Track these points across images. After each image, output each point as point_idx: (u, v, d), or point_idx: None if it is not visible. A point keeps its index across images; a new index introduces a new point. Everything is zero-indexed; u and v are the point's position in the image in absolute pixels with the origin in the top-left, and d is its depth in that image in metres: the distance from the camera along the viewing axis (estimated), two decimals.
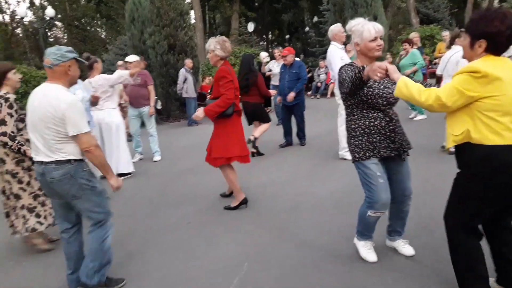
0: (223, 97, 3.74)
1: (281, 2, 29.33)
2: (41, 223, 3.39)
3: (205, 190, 4.77)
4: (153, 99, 6.57)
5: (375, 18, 13.48)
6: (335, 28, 5.49)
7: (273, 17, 33.09)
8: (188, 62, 10.43)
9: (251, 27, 23.71)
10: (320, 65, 14.81)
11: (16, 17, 30.02)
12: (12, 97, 3.22)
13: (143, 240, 3.56)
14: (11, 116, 3.16)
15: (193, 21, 21.77)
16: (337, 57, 5.22)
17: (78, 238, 2.74)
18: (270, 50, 29.88)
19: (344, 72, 2.49)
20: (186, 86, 10.13)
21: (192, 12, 22.87)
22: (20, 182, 3.32)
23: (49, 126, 2.40)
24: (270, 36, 37.77)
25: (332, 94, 13.77)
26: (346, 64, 2.60)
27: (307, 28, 29.71)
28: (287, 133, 6.85)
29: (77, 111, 2.42)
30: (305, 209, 3.93)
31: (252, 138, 5.95)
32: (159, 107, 8.66)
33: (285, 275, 2.73)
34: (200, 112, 3.82)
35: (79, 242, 2.75)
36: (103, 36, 33.17)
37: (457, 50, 4.99)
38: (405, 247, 2.82)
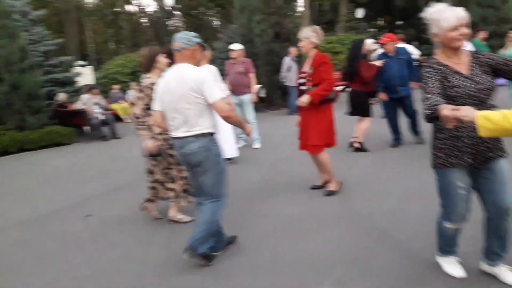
0: (327, 81, 3.82)
1: None
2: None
3: (302, 181, 4.66)
4: (254, 87, 6.65)
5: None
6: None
7: (385, 2, 31.34)
8: (293, 50, 10.30)
9: (360, 13, 22.70)
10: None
11: (142, 7, 33.18)
12: (147, 81, 3.45)
13: (238, 227, 3.59)
14: (141, 99, 3.44)
15: (301, 8, 21.70)
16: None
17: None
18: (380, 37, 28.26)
19: (424, 83, 2.12)
20: (290, 74, 10.08)
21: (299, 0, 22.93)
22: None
23: (191, 100, 2.61)
24: (380, 22, 35.90)
25: None
26: (427, 64, 2.19)
27: (422, 14, 27.44)
28: (396, 131, 6.06)
29: (213, 81, 2.66)
30: (413, 214, 3.57)
31: (356, 145, 5.88)
32: (263, 95, 8.74)
33: (384, 287, 2.51)
34: (305, 97, 3.84)
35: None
36: (215, 25, 34.80)
37: None
38: (510, 275, 2.33)
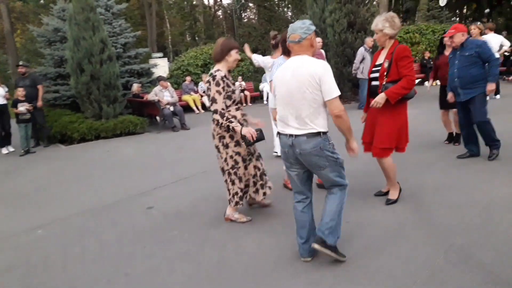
0: (407, 78, 3.41)
1: None
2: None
3: (368, 184, 4.28)
4: None
5: None
6: None
7: None
8: (369, 40, 9.76)
9: (443, 1, 20.93)
10: None
11: (218, 0, 33.89)
12: (220, 74, 3.29)
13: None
14: (219, 93, 3.26)
15: None
16: None
17: (310, 209, 2.87)
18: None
19: None
20: (363, 66, 9.60)
21: None
22: (220, 158, 3.55)
23: (307, 95, 2.50)
24: (465, 11, 33.00)
25: None
26: None
27: None
28: (469, 140, 5.03)
29: (331, 76, 2.51)
30: (501, 231, 3.08)
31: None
32: None
33: None
34: (381, 97, 3.45)
35: (312, 212, 2.87)
36: (288, 16, 34.45)
37: None
38: None
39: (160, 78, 10.09)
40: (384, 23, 3.44)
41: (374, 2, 11.87)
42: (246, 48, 5.95)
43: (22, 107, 7.96)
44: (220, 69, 3.35)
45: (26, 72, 8.61)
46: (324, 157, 2.57)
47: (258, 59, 5.65)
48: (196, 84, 13.68)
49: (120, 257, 3.20)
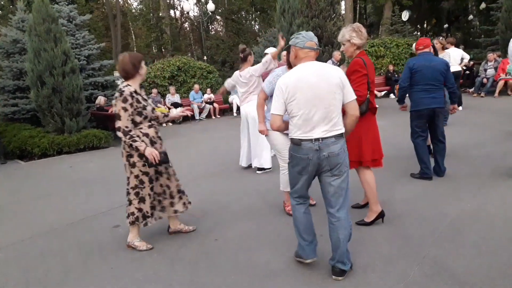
0: (356, 94, 3.17)
1: None
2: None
3: None
4: None
5: None
6: None
7: (430, 5, 30.16)
8: (337, 54, 9.98)
9: (406, 15, 21.82)
10: (488, 58, 12.98)
11: (185, 12, 33.77)
12: (129, 90, 3.12)
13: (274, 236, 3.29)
14: (125, 110, 3.08)
15: (342, 11, 21.14)
16: None
17: (309, 209, 2.88)
18: None
19: None
20: None
21: (342, 3, 22.38)
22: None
23: (337, 96, 2.56)
24: (425, 25, 34.57)
25: (501, 93, 11.83)
26: None
27: (470, 17, 26.15)
28: (420, 159, 4.87)
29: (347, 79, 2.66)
30: (472, 238, 3.13)
31: None
32: None
33: None
34: None
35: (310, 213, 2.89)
36: (255, 29, 34.81)
37: None
38: None
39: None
40: (351, 33, 3.38)
41: (340, 16, 12.12)
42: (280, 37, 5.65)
43: None
44: (130, 84, 3.18)
45: None
46: (346, 159, 2.63)
47: (229, 82, 5.72)
48: (163, 96, 13.46)
49: (86, 280, 3.00)
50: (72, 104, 8.86)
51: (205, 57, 20.81)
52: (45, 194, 5.67)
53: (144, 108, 3.19)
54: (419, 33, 31.72)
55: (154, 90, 13.20)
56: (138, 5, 38.29)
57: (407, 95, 4.80)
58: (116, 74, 13.90)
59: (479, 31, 18.17)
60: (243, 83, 5.49)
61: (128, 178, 3.34)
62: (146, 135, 3.23)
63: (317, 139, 2.55)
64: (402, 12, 22.02)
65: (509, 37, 14.04)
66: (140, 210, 3.35)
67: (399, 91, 4.86)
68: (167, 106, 12.94)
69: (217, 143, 8.67)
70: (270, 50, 5.67)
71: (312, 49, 2.65)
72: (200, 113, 13.50)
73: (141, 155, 3.20)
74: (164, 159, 3.27)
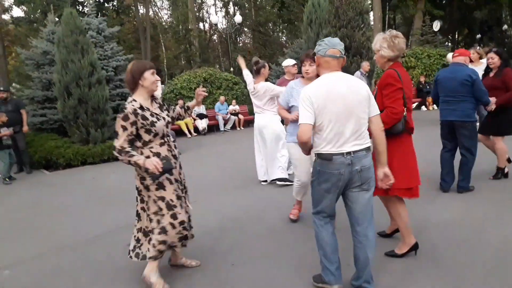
0: (386, 110, 2.86)
1: None
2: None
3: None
4: None
5: None
6: None
7: (462, 15, 29.28)
8: (366, 65, 9.72)
9: (437, 25, 21.17)
10: None
11: (213, 24, 34.20)
12: (131, 107, 2.73)
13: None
14: (124, 129, 2.69)
15: (371, 22, 20.72)
16: None
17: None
18: None
19: None
20: None
21: (371, 14, 22.02)
22: (142, 201, 2.96)
23: (366, 109, 2.46)
24: (457, 36, 33.59)
25: None
26: None
27: (505, 26, 25.21)
28: (443, 170, 4.78)
29: None
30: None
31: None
32: None
33: None
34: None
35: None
36: (282, 40, 34.76)
37: None
38: None
39: None
40: (383, 42, 3.00)
41: (369, 26, 11.79)
42: (240, 60, 5.72)
43: (3, 132, 7.59)
44: (135, 99, 2.79)
45: (7, 97, 8.25)
46: (374, 172, 2.53)
47: (249, 77, 5.57)
48: None
49: None
50: (97, 114, 8.90)
51: (231, 69, 20.81)
52: (65, 206, 5.59)
53: (153, 124, 2.77)
54: (450, 43, 30.81)
55: (180, 101, 13.19)
56: (168, 18, 39.16)
57: None
58: None
59: None
60: (258, 96, 5.41)
61: (147, 202, 2.90)
62: (157, 154, 2.82)
63: (348, 153, 2.41)
64: (433, 22, 21.38)
65: None
66: (163, 242, 2.85)
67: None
68: (193, 117, 12.88)
69: (239, 155, 8.47)
70: (287, 63, 5.46)
71: (334, 57, 2.47)
72: (225, 124, 13.38)
73: (151, 175, 2.77)
74: (167, 165, 2.73)
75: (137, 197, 2.98)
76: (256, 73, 5.41)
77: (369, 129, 2.53)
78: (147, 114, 2.78)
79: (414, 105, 13.13)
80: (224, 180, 6.30)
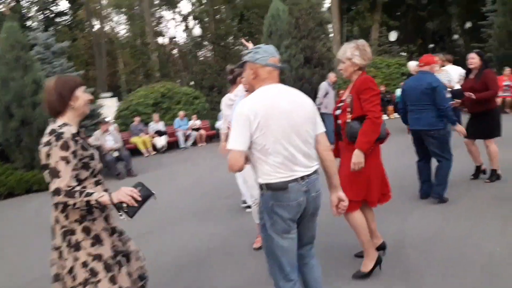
0: (370, 118, 2.78)
1: (427, 9, 26.72)
2: None
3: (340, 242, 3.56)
4: None
5: None
6: None
7: (416, 26, 30.44)
8: (332, 75, 9.76)
9: (393, 36, 21.70)
10: None
11: (172, 38, 33.63)
12: (69, 132, 2.04)
13: None
14: (67, 162, 1.97)
15: (330, 35, 21.00)
16: None
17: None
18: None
19: None
20: (327, 101, 9.33)
21: (330, 25, 22.38)
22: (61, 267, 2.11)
23: (312, 126, 2.15)
24: (411, 46, 34.90)
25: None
26: None
27: (455, 36, 26.39)
28: (421, 178, 4.74)
29: None
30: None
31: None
32: None
33: None
34: (357, 155, 2.78)
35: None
36: (243, 53, 34.59)
37: None
38: None
39: (100, 121, 9.16)
40: (354, 51, 2.89)
41: (329, 37, 11.73)
42: (249, 44, 5.10)
43: None
44: (67, 123, 2.10)
45: None
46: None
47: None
48: (146, 124, 12.75)
49: None
50: (43, 137, 8.12)
51: (192, 82, 20.29)
52: (2, 243, 4.88)
53: (92, 158, 2.15)
54: (406, 53, 31.87)
55: (137, 118, 12.51)
56: (127, 33, 38.13)
57: None
58: (99, 102, 13.23)
59: (464, 50, 18.20)
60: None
61: (67, 269, 2.05)
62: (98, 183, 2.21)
63: (303, 178, 2.06)
64: (390, 33, 21.92)
65: (503, 53, 13.89)
66: None
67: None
68: (151, 135, 12.24)
69: (202, 174, 7.95)
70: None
71: (275, 67, 2.14)
72: (186, 140, 12.80)
73: (88, 230, 2.07)
74: (145, 191, 2.09)
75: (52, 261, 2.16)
76: (231, 82, 4.87)
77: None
78: (86, 143, 2.17)
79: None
80: (186, 205, 5.77)
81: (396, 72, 15.74)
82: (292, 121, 2.03)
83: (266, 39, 12.31)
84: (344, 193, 2.68)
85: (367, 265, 2.94)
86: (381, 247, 3.20)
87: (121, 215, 2.02)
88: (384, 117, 14.20)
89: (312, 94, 9.86)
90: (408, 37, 31.88)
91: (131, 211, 2.00)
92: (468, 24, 22.51)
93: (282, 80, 9.51)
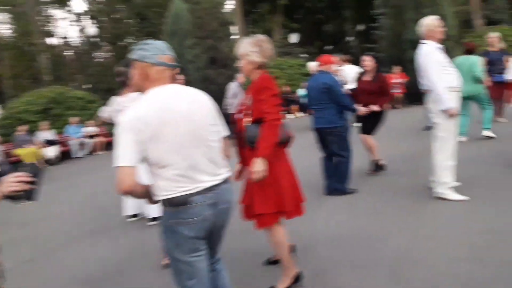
0: (268, 121, 2.47)
1: (323, 12, 28.43)
2: None
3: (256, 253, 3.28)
4: None
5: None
6: (431, 22, 4.05)
7: (315, 29, 32.17)
8: (241, 76, 9.42)
9: (294, 38, 22.50)
10: None
11: (66, 40, 30.86)
12: None
13: None
14: None
15: (235, 34, 21.05)
16: (433, 60, 3.84)
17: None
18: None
19: None
20: (235, 101, 9.14)
21: (235, 27, 22.45)
22: None
23: (213, 130, 1.91)
24: (312, 47, 36.89)
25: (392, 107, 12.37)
26: None
27: (350, 38, 28.46)
28: (325, 174, 4.79)
29: None
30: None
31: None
32: None
33: None
34: (258, 164, 2.43)
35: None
36: None
37: None
38: None
39: None
40: (251, 47, 2.60)
41: (233, 37, 11.59)
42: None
43: None
44: None
45: None
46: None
47: (108, 110, 4.40)
48: (33, 133, 11.25)
49: None
50: None
51: (89, 85, 18.72)
52: None
53: None
54: (307, 54, 33.49)
55: (22, 127, 10.98)
56: (11, 33, 33.97)
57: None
58: None
59: (359, 51, 19.67)
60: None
61: None
62: None
63: (209, 189, 1.80)
64: (290, 35, 22.67)
65: (392, 53, 15.03)
66: None
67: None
68: (39, 145, 10.84)
69: (97, 187, 7.15)
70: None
71: (167, 65, 1.85)
72: (81, 149, 11.60)
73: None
74: (33, 169, 1.69)
75: None
76: (122, 85, 4.21)
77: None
78: None
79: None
80: (79, 224, 5.02)
81: (298, 73, 16.25)
82: (193, 125, 1.79)
83: (168, 38, 11.73)
84: (255, 207, 2.45)
85: (285, 282, 2.68)
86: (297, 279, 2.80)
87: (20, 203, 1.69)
88: (290, 116, 14.51)
89: (219, 95, 9.57)
90: (308, 39, 33.54)
91: (30, 194, 1.65)
92: (360, 27, 24.27)
93: (188, 82, 9.07)
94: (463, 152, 4.65)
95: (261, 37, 2.67)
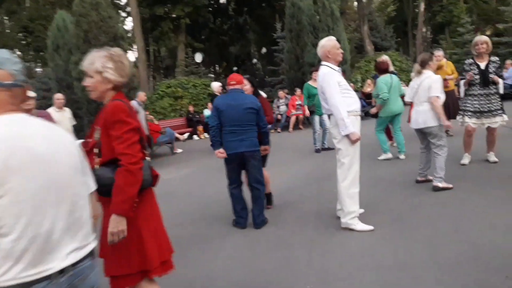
0: (124, 162, 1.89)
1: (228, 34, 28.73)
2: None
3: None
4: None
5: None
6: (328, 43, 3.84)
7: (220, 50, 32.33)
8: (142, 94, 8.83)
9: (199, 57, 22.10)
10: (279, 95, 13.92)
11: None
12: None
13: None
14: None
15: (135, 53, 19.92)
16: (333, 81, 3.61)
17: None
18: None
19: None
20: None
21: (135, 46, 21.21)
22: None
23: (81, 178, 1.38)
24: (217, 68, 36.92)
25: (295, 128, 12.62)
26: None
27: (254, 60, 29.16)
28: (235, 210, 4.31)
29: None
30: None
31: None
32: None
33: None
34: (115, 222, 1.84)
35: None
36: (35, 72, 30.11)
37: (428, 75, 4.60)
38: None
39: None
40: (106, 62, 2.01)
41: (128, 52, 10.72)
42: None
43: None
44: None
45: None
46: None
47: None
48: None
49: None
50: None
51: None
52: None
53: None
54: (213, 75, 33.39)
55: None
56: None
57: None
58: None
59: (263, 73, 20.07)
60: None
61: None
62: None
63: (62, 271, 1.24)
64: (195, 54, 22.26)
65: (293, 75, 15.39)
66: None
67: (210, 132, 4.20)
68: None
69: None
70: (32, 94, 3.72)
71: (6, 85, 1.28)
72: None
73: None
74: None
75: None
76: None
77: None
78: None
79: (186, 135, 12.66)
80: None
81: (203, 93, 15.80)
82: (52, 175, 1.26)
83: (52, 54, 10.46)
84: (110, 268, 1.81)
85: None
86: None
87: None
88: (195, 137, 13.88)
89: None
90: (213, 60, 33.54)
91: None
92: (263, 50, 24.81)
93: (76, 101, 7.85)
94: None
95: (117, 50, 2.10)
